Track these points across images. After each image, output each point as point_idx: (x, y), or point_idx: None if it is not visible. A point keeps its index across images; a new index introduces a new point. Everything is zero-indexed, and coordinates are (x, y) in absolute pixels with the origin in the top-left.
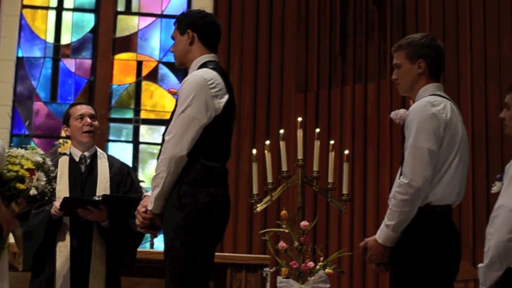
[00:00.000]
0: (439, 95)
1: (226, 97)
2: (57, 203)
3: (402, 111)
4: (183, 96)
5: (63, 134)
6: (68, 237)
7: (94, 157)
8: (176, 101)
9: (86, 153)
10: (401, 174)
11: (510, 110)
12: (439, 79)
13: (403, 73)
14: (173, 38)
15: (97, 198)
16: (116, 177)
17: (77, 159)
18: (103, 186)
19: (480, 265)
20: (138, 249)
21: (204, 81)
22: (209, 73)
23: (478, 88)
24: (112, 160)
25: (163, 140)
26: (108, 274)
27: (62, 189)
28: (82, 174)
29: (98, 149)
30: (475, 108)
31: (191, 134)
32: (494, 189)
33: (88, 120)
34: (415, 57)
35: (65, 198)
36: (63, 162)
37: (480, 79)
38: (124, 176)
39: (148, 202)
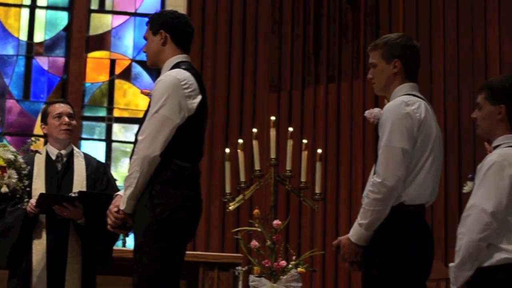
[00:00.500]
0: (414, 95)
1: (199, 97)
2: (33, 200)
3: (376, 110)
4: (156, 96)
5: (39, 132)
6: (44, 234)
7: (70, 155)
8: (149, 101)
9: (63, 151)
10: (374, 173)
11: (482, 111)
12: (414, 79)
13: (379, 72)
14: (145, 38)
15: (73, 195)
16: (93, 175)
17: (53, 158)
18: (79, 184)
19: (451, 264)
20: None
21: (178, 81)
22: (182, 74)
23: (451, 88)
24: (89, 159)
25: (136, 140)
26: (84, 271)
27: (39, 187)
28: (58, 173)
29: (75, 148)
30: (448, 108)
31: (164, 134)
32: (465, 189)
33: (66, 119)
34: (391, 56)
35: (41, 195)
36: (40, 161)
37: (453, 79)
38: (101, 174)
39: (120, 201)
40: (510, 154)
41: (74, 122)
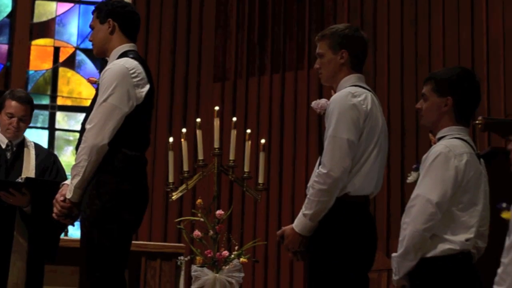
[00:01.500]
0: (360, 86)
1: (148, 86)
2: None
3: (323, 101)
4: (104, 85)
5: None
6: None
7: (21, 145)
8: (97, 90)
9: (14, 141)
10: (319, 164)
11: (428, 102)
12: (361, 70)
13: (326, 62)
14: (92, 27)
15: (20, 181)
16: (42, 164)
17: (3, 146)
18: (28, 173)
19: (394, 254)
20: None
21: (126, 70)
22: (131, 63)
23: (394, 79)
24: (39, 149)
25: (83, 128)
26: (29, 260)
27: None
28: (7, 161)
29: (27, 138)
30: (392, 99)
31: (112, 123)
32: (409, 179)
33: (15, 123)
34: (338, 47)
35: None
36: None
37: (396, 70)
38: (50, 164)
39: (67, 190)
40: (456, 146)
41: (25, 124)
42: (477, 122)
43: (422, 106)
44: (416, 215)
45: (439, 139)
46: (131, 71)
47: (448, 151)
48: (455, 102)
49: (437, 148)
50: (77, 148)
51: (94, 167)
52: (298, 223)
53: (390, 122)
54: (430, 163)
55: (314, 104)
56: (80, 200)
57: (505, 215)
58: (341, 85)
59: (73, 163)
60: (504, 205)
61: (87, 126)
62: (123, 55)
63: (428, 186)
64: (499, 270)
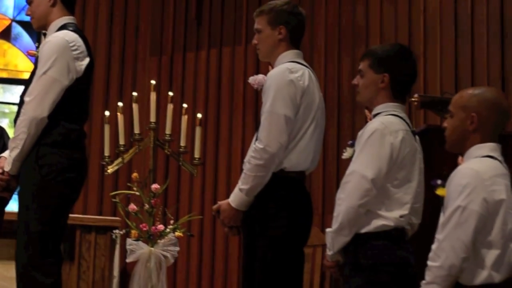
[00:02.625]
0: (298, 62)
1: (87, 59)
2: None
3: (260, 76)
4: (44, 57)
5: None
6: None
7: None
8: (36, 63)
9: None
10: (256, 139)
11: (365, 78)
12: (298, 46)
13: (264, 38)
14: (29, 1)
15: None
16: None
17: None
18: None
19: (328, 229)
20: None
21: (66, 43)
22: (71, 35)
23: (331, 56)
24: None
25: (21, 101)
26: None
27: None
28: None
29: None
30: (328, 75)
31: (52, 96)
32: (345, 155)
33: None
34: (276, 22)
35: None
36: None
37: (334, 47)
38: None
39: (5, 163)
40: (392, 122)
41: None
42: (413, 99)
43: (359, 83)
44: (351, 191)
45: (375, 115)
46: (71, 44)
47: (384, 128)
48: (391, 79)
49: (373, 124)
50: (15, 121)
51: (33, 140)
52: (234, 198)
53: (326, 98)
54: (366, 140)
55: (251, 79)
56: (18, 173)
57: (439, 192)
58: (279, 61)
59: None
60: (439, 182)
61: (26, 99)
62: (62, 27)
63: (363, 162)
64: (434, 246)
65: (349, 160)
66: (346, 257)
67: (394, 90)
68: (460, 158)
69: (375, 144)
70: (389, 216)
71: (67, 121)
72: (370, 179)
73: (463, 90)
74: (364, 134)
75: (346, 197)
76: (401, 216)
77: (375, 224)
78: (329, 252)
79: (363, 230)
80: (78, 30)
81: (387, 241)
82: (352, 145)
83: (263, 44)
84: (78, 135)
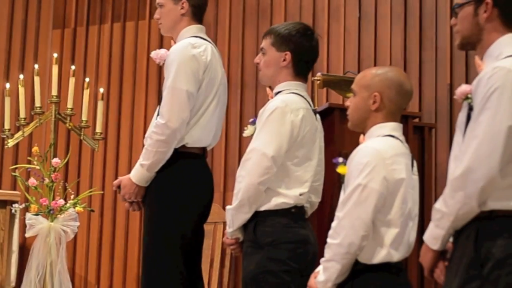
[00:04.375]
0: (201, 37)
1: None
2: None
3: (162, 51)
4: None
5: None
6: None
7: None
8: None
9: None
10: (158, 115)
11: (266, 56)
12: (201, 21)
13: (166, 12)
14: None
15: None
16: None
17: None
18: None
19: (228, 207)
20: None
21: None
22: None
23: (235, 33)
24: None
25: None
26: None
27: None
28: None
29: None
30: (232, 52)
31: None
32: (246, 133)
33: None
34: None
35: None
36: None
37: (238, 24)
38: None
39: None
40: (293, 101)
41: None
42: (316, 78)
43: (261, 61)
44: (252, 168)
45: (276, 93)
46: None
47: (285, 106)
48: (293, 57)
49: (274, 103)
50: None
51: None
52: (135, 173)
53: (229, 75)
54: (267, 118)
55: (153, 54)
56: None
57: (340, 170)
58: (181, 35)
59: None
60: (340, 160)
61: None
62: None
63: (264, 140)
64: (333, 224)
65: (250, 137)
66: (246, 234)
67: (295, 69)
68: (361, 136)
69: (275, 122)
70: (289, 194)
71: None
72: (271, 156)
73: (367, 69)
74: (265, 112)
75: (247, 175)
76: (300, 194)
77: (275, 201)
78: (229, 230)
79: (263, 208)
80: None
81: (287, 218)
82: (254, 123)
83: (165, 19)
84: None
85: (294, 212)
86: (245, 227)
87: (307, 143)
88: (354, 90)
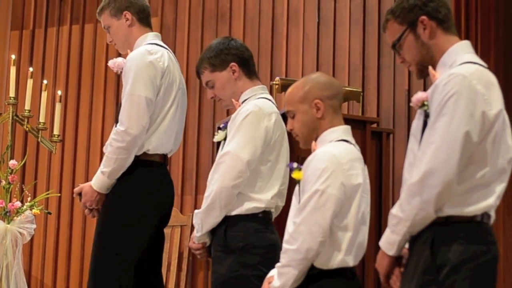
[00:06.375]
0: (157, 44)
1: None
2: None
3: (119, 59)
4: None
5: None
6: None
7: None
8: None
9: None
10: (117, 122)
11: (216, 83)
12: (149, 24)
13: (114, 32)
14: None
15: None
16: None
17: None
18: None
19: (197, 211)
20: None
21: None
22: None
23: (194, 36)
24: None
25: None
26: None
27: None
28: None
29: None
30: (191, 55)
31: None
32: (216, 138)
33: None
34: (119, 11)
35: None
36: None
37: (197, 27)
38: None
39: None
40: (265, 106)
41: None
42: (274, 83)
43: (214, 93)
44: (225, 171)
45: (243, 101)
46: None
47: (258, 110)
48: (239, 64)
49: (247, 107)
50: None
51: None
52: (96, 181)
53: (188, 78)
54: (241, 122)
55: (111, 63)
56: None
57: (295, 175)
58: (138, 44)
59: None
60: (295, 165)
61: None
62: None
63: (238, 143)
64: (290, 229)
65: (208, 141)
66: (215, 239)
67: (246, 73)
68: (313, 143)
69: (250, 126)
70: (261, 198)
71: None
72: (246, 160)
73: (289, 88)
74: (238, 116)
75: (220, 177)
76: (271, 198)
77: (247, 206)
78: (197, 234)
79: (234, 212)
80: None
81: (257, 223)
82: (225, 128)
83: (116, 37)
84: None
85: (262, 217)
86: (213, 231)
87: (277, 147)
88: (291, 111)
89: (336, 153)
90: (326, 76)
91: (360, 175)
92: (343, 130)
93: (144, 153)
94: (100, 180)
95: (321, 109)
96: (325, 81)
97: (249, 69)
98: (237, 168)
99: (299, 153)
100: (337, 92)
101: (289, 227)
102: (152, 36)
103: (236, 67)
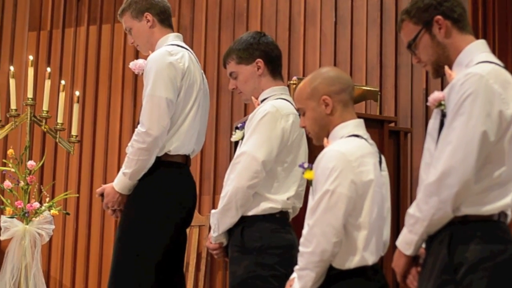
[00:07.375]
0: (178, 45)
1: None
2: None
3: (140, 61)
4: None
5: None
6: None
7: None
8: None
9: None
10: (138, 123)
11: (240, 76)
12: (171, 24)
13: (136, 33)
14: None
15: None
16: None
17: None
18: None
19: (213, 211)
20: None
21: None
22: None
23: (211, 36)
24: None
25: None
26: None
27: None
28: None
29: None
30: (208, 56)
31: None
32: (234, 138)
33: None
34: (140, 12)
35: None
36: None
37: (214, 27)
38: None
39: None
40: (283, 106)
41: None
42: (292, 82)
43: (237, 85)
44: (241, 172)
45: (262, 100)
46: None
47: (276, 111)
48: (265, 61)
49: (265, 107)
50: None
51: None
52: (118, 182)
53: (208, 80)
54: (258, 122)
55: (132, 64)
56: None
57: (307, 175)
58: (159, 45)
59: None
60: (306, 165)
61: None
62: None
63: (255, 144)
64: (304, 232)
65: (226, 141)
66: (232, 239)
67: (271, 71)
68: (325, 140)
69: (266, 127)
70: (277, 199)
71: None
72: (261, 161)
73: (298, 86)
74: (255, 116)
75: (235, 177)
76: (288, 199)
77: (263, 206)
78: (213, 234)
79: (251, 213)
80: None
81: (274, 223)
82: (242, 128)
83: (138, 39)
84: None
85: (279, 217)
86: (230, 231)
87: (295, 148)
88: (301, 109)
89: (345, 150)
90: (335, 70)
91: (371, 170)
92: (355, 124)
93: (166, 154)
94: (121, 181)
95: (330, 105)
96: (332, 76)
97: (274, 68)
98: (253, 168)
99: (317, 153)
100: (346, 86)
101: (305, 229)
102: (173, 37)
103: (261, 64)
